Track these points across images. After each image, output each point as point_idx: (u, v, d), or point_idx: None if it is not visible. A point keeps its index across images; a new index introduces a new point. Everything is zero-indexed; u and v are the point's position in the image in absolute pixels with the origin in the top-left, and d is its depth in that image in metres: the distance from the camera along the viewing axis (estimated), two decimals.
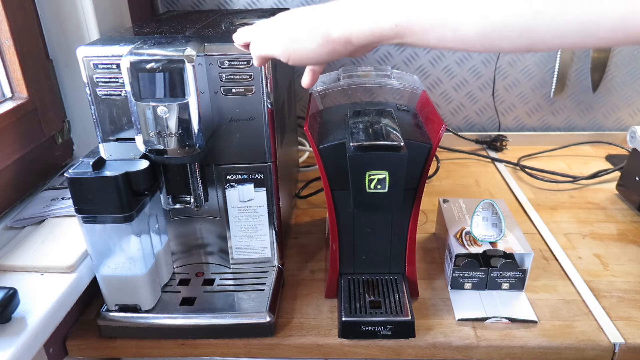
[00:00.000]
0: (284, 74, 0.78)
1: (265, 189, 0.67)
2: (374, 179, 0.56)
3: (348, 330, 0.63)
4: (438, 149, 1.06)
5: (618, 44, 0.37)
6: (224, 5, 1.11)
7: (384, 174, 0.56)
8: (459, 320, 0.66)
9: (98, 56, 0.58)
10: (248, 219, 0.69)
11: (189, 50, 0.55)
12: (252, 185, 0.66)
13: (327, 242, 0.76)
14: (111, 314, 0.64)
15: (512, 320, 0.66)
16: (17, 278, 0.60)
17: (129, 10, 0.89)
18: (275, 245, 0.71)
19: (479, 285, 0.70)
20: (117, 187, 0.55)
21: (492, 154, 1.15)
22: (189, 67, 0.54)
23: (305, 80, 0.55)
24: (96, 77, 0.58)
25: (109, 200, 0.56)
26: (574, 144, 1.18)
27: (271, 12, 0.86)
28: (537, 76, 1.16)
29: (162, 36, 0.64)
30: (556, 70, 1.13)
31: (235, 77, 0.59)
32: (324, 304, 0.70)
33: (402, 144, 0.57)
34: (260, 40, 0.53)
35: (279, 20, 0.52)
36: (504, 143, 1.17)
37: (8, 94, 0.72)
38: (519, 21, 0.38)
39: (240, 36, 0.56)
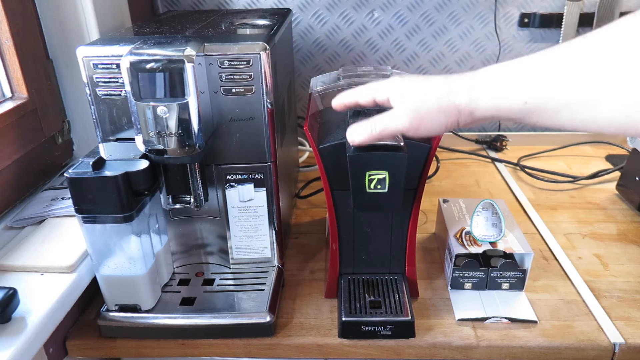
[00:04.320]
0: (284, 74, 0.78)
1: (265, 189, 0.67)
2: (374, 179, 0.56)
3: (348, 330, 0.63)
4: (438, 149, 1.06)
5: None
6: (224, 5, 1.11)
7: (384, 174, 0.56)
8: (459, 320, 0.66)
9: (98, 56, 0.58)
10: (248, 219, 0.69)
11: (189, 50, 0.55)
12: (252, 185, 0.66)
13: (327, 242, 0.76)
14: (111, 314, 0.64)
15: (512, 320, 0.66)
16: (17, 278, 0.60)
17: (129, 10, 0.89)
18: (275, 245, 0.71)
19: (479, 285, 0.70)
20: (117, 187, 0.55)
21: (492, 154, 1.15)
22: (188, 67, 0.54)
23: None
24: (96, 77, 0.58)
25: (109, 200, 0.56)
26: (574, 144, 1.18)
27: (271, 12, 0.86)
28: None
29: (162, 36, 0.64)
30: None
31: (235, 77, 0.59)
32: (324, 304, 0.70)
33: (402, 144, 0.57)
34: (387, 116, 0.51)
35: (405, 95, 0.50)
36: (504, 143, 1.17)
37: (8, 94, 0.72)
38: None
39: (377, 91, 0.53)
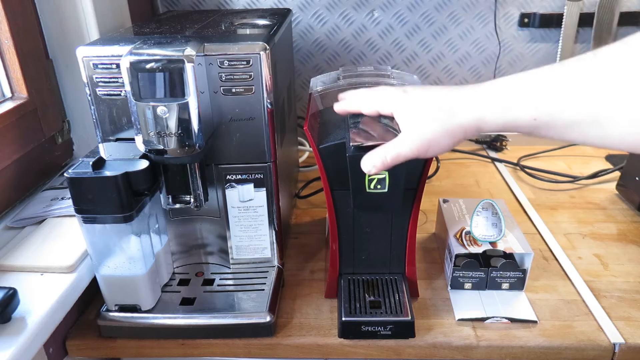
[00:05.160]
0: (284, 74, 0.78)
1: (265, 189, 0.67)
2: (374, 179, 0.56)
3: (348, 330, 0.63)
4: None
5: None
6: (224, 5, 1.11)
7: (384, 174, 0.56)
8: (459, 320, 0.66)
9: (98, 56, 0.58)
10: (248, 219, 0.69)
11: (189, 50, 0.55)
12: (252, 185, 0.66)
13: (327, 242, 0.76)
14: (111, 314, 0.64)
15: (512, 320, 0.66)
16: (17, 278, 0.60)
17: (129, 10, 0.89)
18: (275, 245, 0.71)
19: (479, 285, 0.70)
20: (117, 187, 0.55)
21: (492, 154, 1.15)
22: (188, 67, 0.54)
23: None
24: (96, 77, 0.58)
25: (109, 200, 0.56)
26: (574, 144, 1.18)
27: (271, 12, 0.86)
28: None
29: (162, 36, 0.64)
30: None
31: (235, 77, 0.59)
32: (324, 304, 0.70)
33: None
34: (395, 146, 0.50)
35: (410, 121, 0.49)
36: (504, 143, 1.17)
37: (8, 94, 0.72)
38: None
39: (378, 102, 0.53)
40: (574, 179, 1.03)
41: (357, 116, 0.65)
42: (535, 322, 0.66)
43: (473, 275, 0.70)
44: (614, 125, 0.39)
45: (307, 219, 0.92)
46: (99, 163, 0.58)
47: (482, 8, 1.10)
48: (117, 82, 0.58)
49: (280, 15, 0.82)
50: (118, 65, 0.57)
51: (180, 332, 0.64)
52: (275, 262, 0.72)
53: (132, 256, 0.60)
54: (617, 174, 0.99)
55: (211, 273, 0.72)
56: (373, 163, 0.51)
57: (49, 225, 0.68)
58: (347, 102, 0.58)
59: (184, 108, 0.55)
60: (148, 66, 0.54)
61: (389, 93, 0.53)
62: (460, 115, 0.46)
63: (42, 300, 0.56)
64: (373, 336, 0.63)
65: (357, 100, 0.57)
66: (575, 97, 0.40)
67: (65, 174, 0.56)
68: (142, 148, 0.58)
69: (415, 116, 0.49)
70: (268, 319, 0.63)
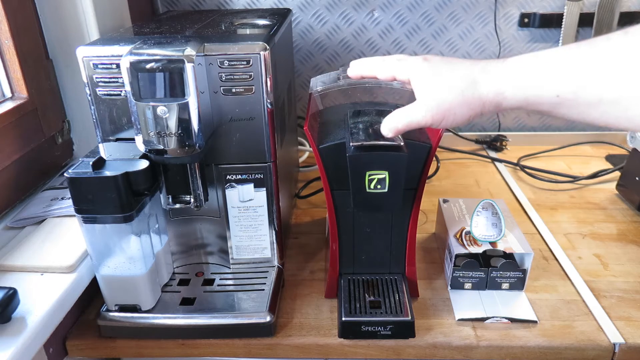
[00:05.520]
0: (284, 74, 0.78)
1: (265, 189, 0.67)
2: (374, 179, 0.56)
3: (348, 330, 0.63)
4: (438, 149, 1.06)
5: None
6: (224, 5, 1.11)
7: (384, 174, 0.56)
8: (459, 320, 0.66)
9: (98, 56, 0.58)
10: (248, 219, 0.69)
11: (189, 50, 0.55)
12: (252, 185, 0.66)
13: (327, 242, 0.76)
14: (111, 314, 0.64)
15: (512, 320, 0.66)
16: (17, 278, 0.60)
17: (129, 10, 0.89)
18: (275, 245, 0.71)
19: (479, 285, 0.70)
20: (117, 187, 0.55)
21: (492, 154, 1.15)
22: (188, 67, 0.54)
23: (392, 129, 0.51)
24: (96, 77, 0.58)
25: (109, 200, 0.56)
26: (574, 144, 1.18)
27: (271, 12, 0.86)
28: None
29: (162, 36, 0.64)
30: None
31: (235, 77, 0.59)
32: (324, 304, 0.70)
33: (402, 143, 0.57)
34: (410, 111, 0.49)
35: (428, 87, 0.48)
36: (504, 143, 1.17)
37: (8, 94, 0.72)
38: None
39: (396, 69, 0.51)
40: (574, 179, 1.03)
41: (357, 116, 0.65)
42: (535, 322, 0.66)
43: (473, 275, 0.70)
44: (637, 106, 0.38)
45: (307, 219, 0.92)
46: (99, 163, 0.58)
47: (482, 8, 1.10)
48: (117, 82, 0.58)
49: (280, 15, 0.82)
50: (118, 65, 0.57)
51: (180, 332, 0.64)
52: (275, 262, 0.72)
53: (132, 256, 0.60)
54: (617, 174, 0.99)
55: (211, 273, 0.72)
56: (387, 129, 0.50)
57: (49, 225, 0.68)
58: (362, 66, 0.56)
59: (184, 108, 0.55)
60: (148, 66, 0.54)
61: (408, 59, 0.51)
62: (482, 87, 0.45)
63: (42, 300, 0.56)
64: (373, 336, 0.63)
65: (373, 65, 0.54)
66: (602, 75, 0.39)
67: (65, 174, 0.56)
68: (142, 148, 0.58)
69: (434, 83, 0.47)
70: (268, 319, 0.63)
